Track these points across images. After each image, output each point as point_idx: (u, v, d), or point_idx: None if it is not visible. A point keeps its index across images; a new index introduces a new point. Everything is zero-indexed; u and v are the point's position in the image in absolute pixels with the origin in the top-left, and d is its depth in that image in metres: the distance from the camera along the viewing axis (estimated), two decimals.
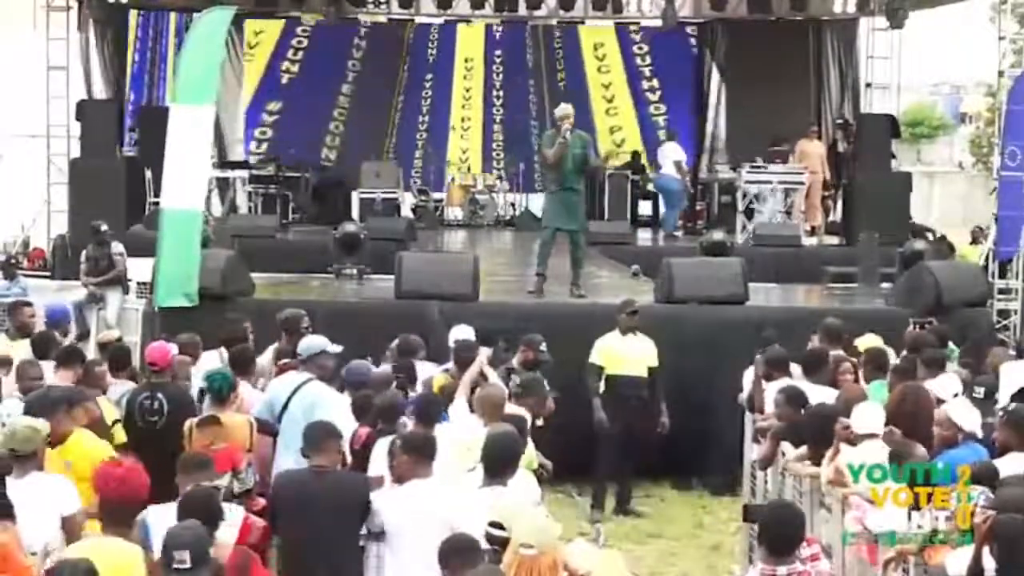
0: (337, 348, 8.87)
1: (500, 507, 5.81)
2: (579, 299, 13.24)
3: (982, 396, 8.01)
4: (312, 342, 8.82)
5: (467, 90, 25.44)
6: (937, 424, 7.37)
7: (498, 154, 24.95)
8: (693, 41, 25.19)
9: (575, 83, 24.66)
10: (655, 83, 25.39)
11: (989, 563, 5.48)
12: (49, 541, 6.06)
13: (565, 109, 13.50)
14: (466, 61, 25.42)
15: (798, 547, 5.45)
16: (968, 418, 7.32)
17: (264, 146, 24.60)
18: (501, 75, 25.35)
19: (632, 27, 25.28)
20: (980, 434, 7.29)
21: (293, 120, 24.69)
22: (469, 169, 24.26)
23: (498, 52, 25.36)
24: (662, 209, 22.57)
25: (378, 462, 7.23)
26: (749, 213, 19.72)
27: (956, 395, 8.23)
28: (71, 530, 6.20)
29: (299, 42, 24.91)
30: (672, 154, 21.00)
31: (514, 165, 24.01)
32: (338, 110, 25.04)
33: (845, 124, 22.08)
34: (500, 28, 25.32)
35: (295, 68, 24.95)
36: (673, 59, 25.33)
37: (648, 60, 25.31)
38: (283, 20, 24.61)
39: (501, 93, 25.39)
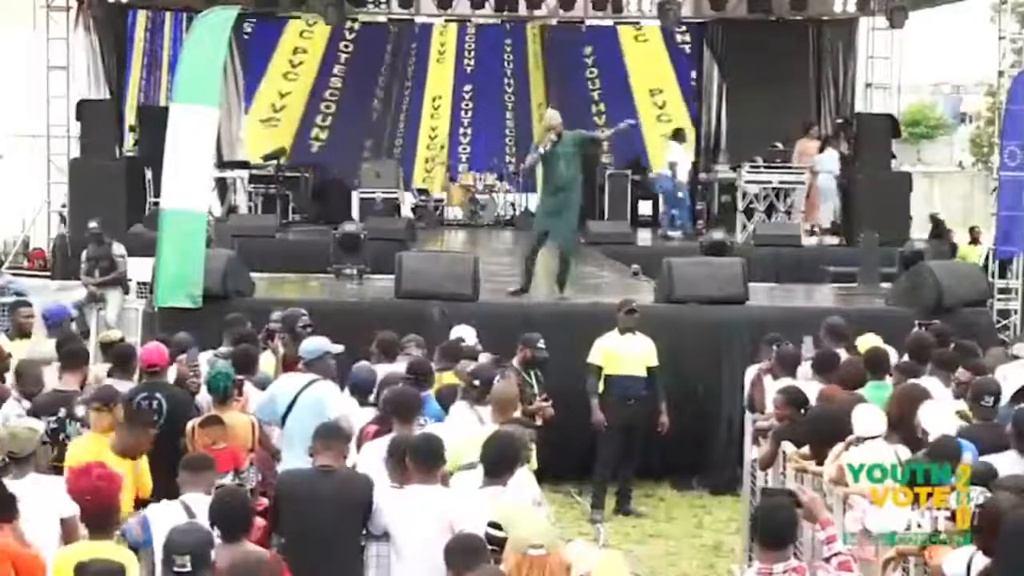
0: (338, 348, 8.86)
1: (498, 508, 5.83)
2: (562, 301, 13.17)
3: (991, 404, 7.98)
4: (314, 344, 8.80)
5: (433, 129, 25.38)
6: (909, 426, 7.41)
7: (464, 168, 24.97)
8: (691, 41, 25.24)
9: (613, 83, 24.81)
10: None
11: (980, 562, 5.50)
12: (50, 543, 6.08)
13: (550, 119, 13.36)
14: (433, 100, 25.37)
15: (791, 543, 5.45)
16: (934, 422, 7.30)
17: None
18: (471, 113, 25.30)
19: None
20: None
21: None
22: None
23: (467, 87, 25.27)
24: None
25: (367, 460, 7.21)
26: (749, 213, 19.73)
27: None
28: (70, 532, 6.20)
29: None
30: (669, 155, 21.05)
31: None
32: (324, 103, 25.08)
33: (846, 123, 22.07)
34: (471, 66, 25.23)
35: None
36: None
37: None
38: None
39: (469, 132, 25.38)
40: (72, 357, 8.85)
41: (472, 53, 25.20)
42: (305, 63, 24.89)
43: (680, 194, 21.06)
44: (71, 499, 6.07)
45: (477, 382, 8.42)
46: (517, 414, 8.55)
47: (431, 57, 25.18)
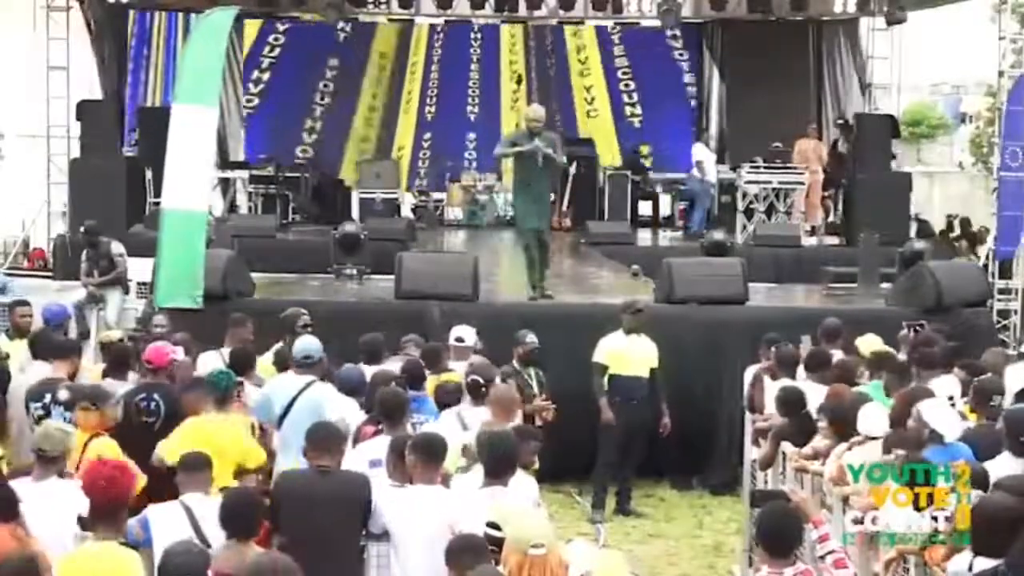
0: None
1: (497, 507, 5.83)
2: (545, 300, 13.16)
3: (998, 404, 7.97)
4: (308, 345, 8.78)
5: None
6: (912, 420, 7.42)
7: (424, 168, 24.92)
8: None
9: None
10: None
11: (980, 564, 5.50)
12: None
13: (535, 111, 13.38)
14: (399, 148, 25.48)
15: (796, 548, 5.46)
16: (942, 422, 7.30)
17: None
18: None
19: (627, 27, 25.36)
20: (951, 437, 7.26)
21: (266, 119, 24.86)
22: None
23: (430, 136, 25.29)
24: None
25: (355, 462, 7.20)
26: (749, 213, 19.72)
27: (951, 397, 8.21)
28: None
29: (275, 39, 24.89)
30: (695, 155, 21.08)
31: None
32: (317, 108, 25.13)
33: (846, 124, 22.04)
34: (432, 113, 25.31)
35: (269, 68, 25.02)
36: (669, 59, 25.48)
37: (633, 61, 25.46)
38: (261, 20, 24.47)
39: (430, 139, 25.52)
40: (60, 348, 9.05)
41: (435, 96, 25.28)
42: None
43: (712, 191, 20.91)
44: (84, 492, 6.05)
45: (480, 381, 8.42)
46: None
47: (403, 100, 25.31)
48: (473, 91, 25.36)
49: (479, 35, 25.34)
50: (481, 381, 8.44)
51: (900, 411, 7.72)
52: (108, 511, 5.84)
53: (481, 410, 8.14)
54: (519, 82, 25.05)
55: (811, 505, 5.92)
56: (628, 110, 25.36)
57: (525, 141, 12.84)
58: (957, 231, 23.08)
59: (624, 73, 25.35)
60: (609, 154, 24.24)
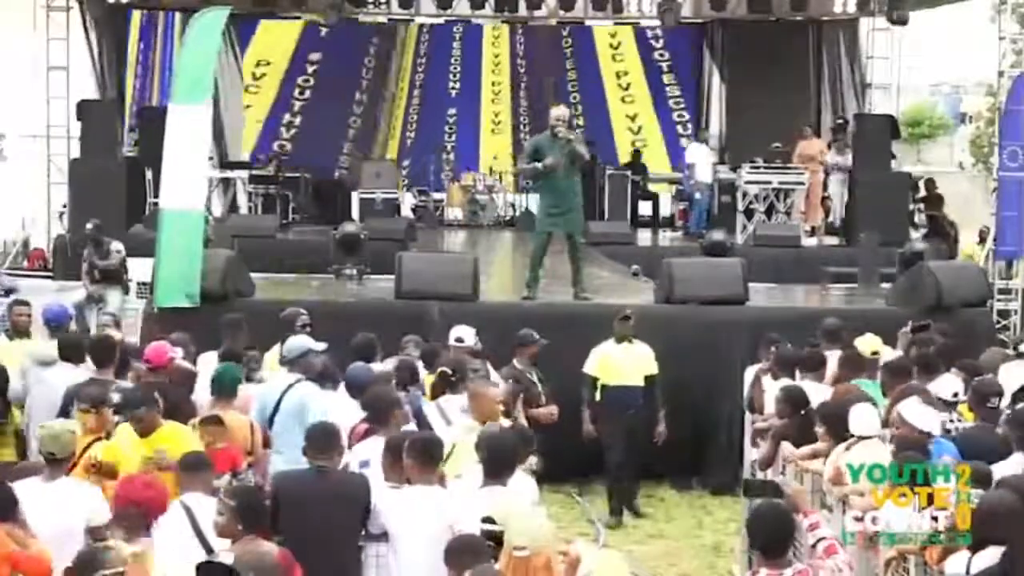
0: (320, 346, 8.83)
1: (496, 506, 5.84)
2: (583, 301, 13.14)
3: (995, 405, 7.97)
4: (295, 343, 8.78)
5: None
6: (892, 424, 7.43)
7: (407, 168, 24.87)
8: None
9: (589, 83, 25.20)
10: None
11: (977, 565, 5.50)
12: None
13: (560, 111, 13.35)
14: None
15: (791, 545, 5.47)
16: (923, 418, 7.31)
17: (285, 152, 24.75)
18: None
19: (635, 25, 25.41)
20: (936, 432, 7.28)
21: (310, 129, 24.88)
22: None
23: (408, 163, 25.28)
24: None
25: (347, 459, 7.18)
26: (749, 213, 19.72)
27: (956, 394, 8.22)
28: (98, 541, 6.18)
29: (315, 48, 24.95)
30: (688, 156, 21.10)
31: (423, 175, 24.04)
32: (352, 117, 25.20)
33: (839, 126, 22.00)
34: (414, 134, 25.34)
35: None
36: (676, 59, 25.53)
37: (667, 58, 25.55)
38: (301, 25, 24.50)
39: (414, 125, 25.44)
40: (103, 350, 9.04)
41: (419, 112, 25.28)
42: (269, 74, 25.01)
43: (698, 195, 20.87)
44: (111, 505, 6.04)
45: (448, 372, 8.45)
46: (521, 417, 8.58)
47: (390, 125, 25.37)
48: (455, 71, 25.36)
49: (459, 29, 25.39)
50: (449, 372, 8.50)
51: (889, 411, 7.74)
52: (134, 514, 5.86)
53: (456, 398, 8.20)
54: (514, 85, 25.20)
55: (803, 496, 5.93)
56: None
57: (548, 143, 12.85)
58: (923, 192, 22.90)
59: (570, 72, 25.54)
60: None
